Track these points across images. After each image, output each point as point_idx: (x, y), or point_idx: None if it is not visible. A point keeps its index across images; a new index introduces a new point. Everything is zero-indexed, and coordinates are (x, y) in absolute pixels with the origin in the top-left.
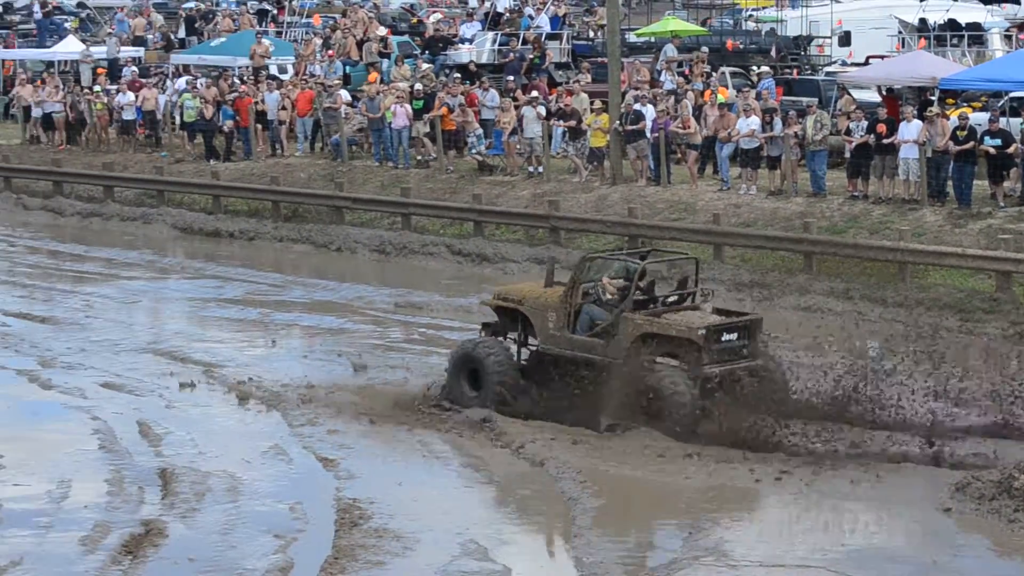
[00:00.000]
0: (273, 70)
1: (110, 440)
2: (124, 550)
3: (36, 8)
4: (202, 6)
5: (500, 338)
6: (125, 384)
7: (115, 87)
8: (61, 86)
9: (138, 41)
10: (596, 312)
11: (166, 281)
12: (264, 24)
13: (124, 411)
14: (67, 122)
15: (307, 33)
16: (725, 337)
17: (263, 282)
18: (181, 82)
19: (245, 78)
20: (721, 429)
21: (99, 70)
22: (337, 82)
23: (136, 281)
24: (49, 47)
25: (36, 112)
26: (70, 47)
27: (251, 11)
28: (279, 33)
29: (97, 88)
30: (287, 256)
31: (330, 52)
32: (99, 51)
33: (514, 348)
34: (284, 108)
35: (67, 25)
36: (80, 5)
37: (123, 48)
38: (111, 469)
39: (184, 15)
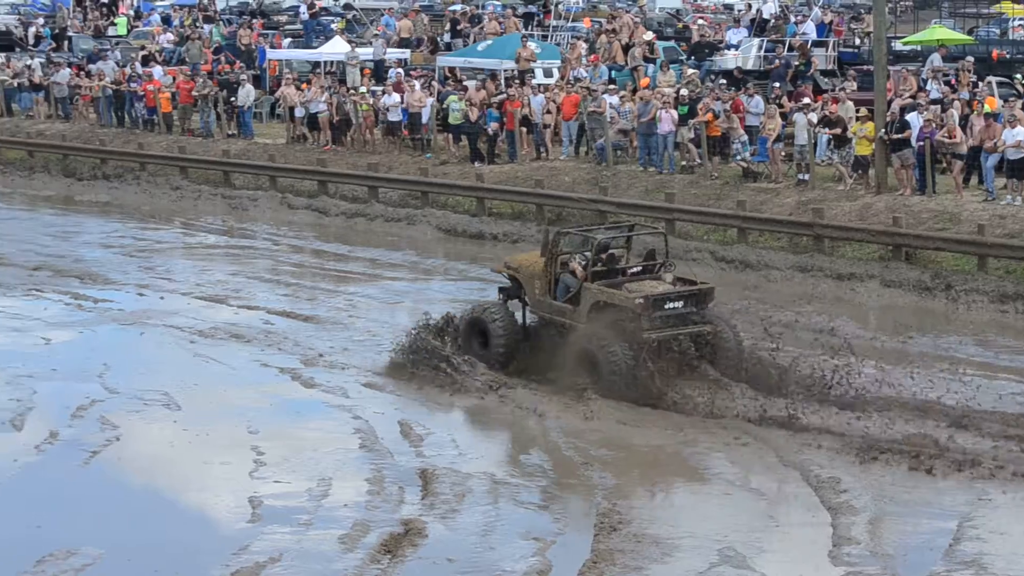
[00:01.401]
0: (538, 73)
1: (371, 439)
2: (383, 549)
3: (303, 9)
4: (467, 9)
5: (511, 301)
6: (387, 384)
7: (380, 88)
8: (327, 86)
9: (404, 43)
10: (570, 281)
11: (429, 282)
12: (530, 28)
13: (385, 411)
14: (332, 122)
15: (572, 37)
16: (669, 305)
17: None
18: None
19: (511, 81)
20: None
21: (365, 71)
22: (610, 86)
23: (399, 282)
24: (315, 48)
25: (300, 112)
26: (336, 48)
27: (517, 14)
28: (544, 37)
29: (363, 89)
30: None
31: (594, 56)
32: (365, 52)
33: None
34: (549, 112)
35: (333, 26)
36: (346, 7)
37: (389, 50)
38: (371, 468)
39: (450, 17)
